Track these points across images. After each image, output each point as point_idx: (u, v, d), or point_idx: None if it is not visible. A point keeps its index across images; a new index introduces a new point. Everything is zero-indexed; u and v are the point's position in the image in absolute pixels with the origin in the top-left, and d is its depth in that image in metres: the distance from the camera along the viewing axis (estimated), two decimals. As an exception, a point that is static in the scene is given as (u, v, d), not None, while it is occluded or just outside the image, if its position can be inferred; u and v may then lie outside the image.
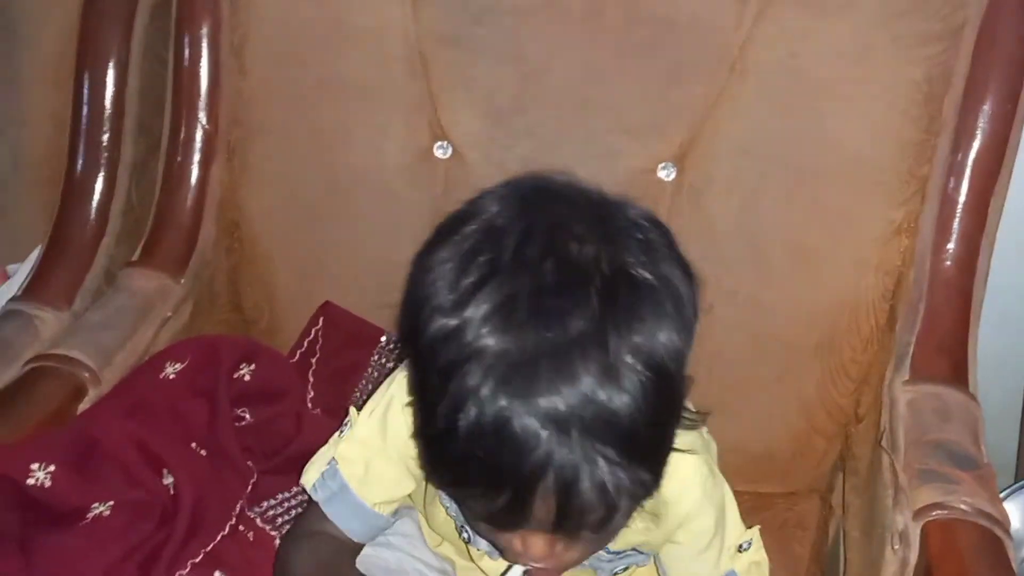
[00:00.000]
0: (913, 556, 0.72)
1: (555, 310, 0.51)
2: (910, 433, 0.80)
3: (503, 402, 0.50)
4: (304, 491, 0.90)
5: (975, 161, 0.88)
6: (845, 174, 0.91)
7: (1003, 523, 0.71)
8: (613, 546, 0.73)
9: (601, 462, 0.51)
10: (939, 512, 0.72)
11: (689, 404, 0.67)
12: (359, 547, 0.78)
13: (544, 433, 0.50)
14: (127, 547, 0.76)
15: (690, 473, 0.70)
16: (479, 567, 0.79)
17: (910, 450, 0.78)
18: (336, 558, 0.75)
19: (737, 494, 1.02)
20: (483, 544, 0.74)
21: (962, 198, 0.88)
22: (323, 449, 0.76)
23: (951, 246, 0.89)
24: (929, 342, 0.86)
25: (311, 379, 1.03)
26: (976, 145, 0.88)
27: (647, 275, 0.54)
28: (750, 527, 0.77)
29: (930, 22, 0.86)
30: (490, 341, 0.51)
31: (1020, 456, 1.31)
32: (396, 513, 0.78)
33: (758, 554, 0.76)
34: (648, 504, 0.62)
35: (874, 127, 0.89)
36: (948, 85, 0.87)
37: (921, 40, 0.86)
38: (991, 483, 0.75)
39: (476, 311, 0.52)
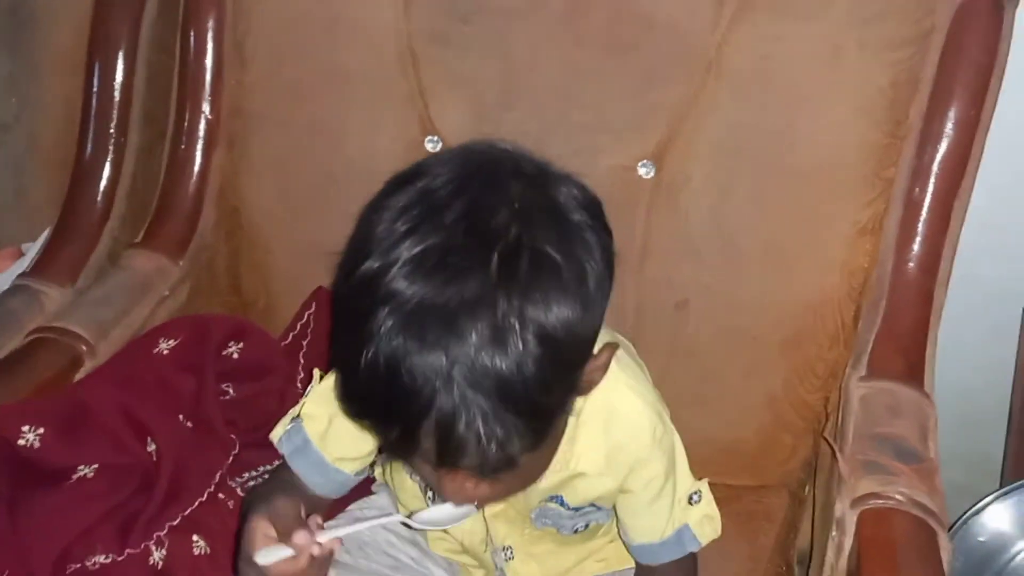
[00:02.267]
0: (848, 542, 0.74)
1: (455, 269, 0.56)
2: (859, 427, 0.82)
3: (396, 345, 0.55)
4: (283, 463, 0.96)
5: (940, 165, 0.90)
6: (813, 175, 0.93)
7: (938, 515, 0.73)
8: (572, 502, 0.78)
9: (477, 413, 0.56)
10: (875, 501, 0.75)
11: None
12: (322, 501, 0.82)
13: (429, 380, 0.55)
14: (108, 507, 0.82)
15: (640, 419, 0.74)
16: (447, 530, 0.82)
17: (856, 442, 0.81)
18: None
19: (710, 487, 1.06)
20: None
21: (927, 201, 0.90)
22: (293, 408, 0.82)
23: (915, 248, 0.91)
24: (887, 340, 0.88)
25: (302, 360, 1.08)
26: (941, 149, 0.90)
27: (552, 252, 0.58)
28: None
29: (898, 28, 0.88)
30: (400, 287, 0.56)
31: (1006, 461, 1.32)
32: (361, 473, 0.82)
33: (709, 507, 0.80)
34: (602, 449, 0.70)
35: (841, 129, 0.91)
36: (915, 90, 0.89)
37: (889, 45, 0.88)
38: (932, 477, 0.77)
39: (395, 259, 0.57)
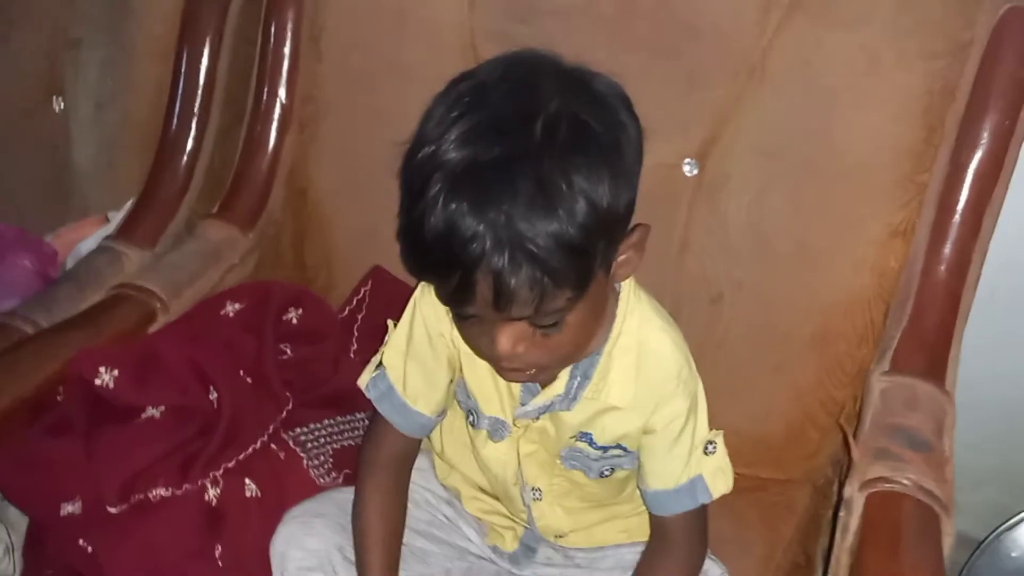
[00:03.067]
0: (854, 522, 0.77)
1: (501, 133, 0.64)
2: (876, 417, 0.86)
3: (453, 205, 0.63)
4: (332, 423, 1.03)
5: (974, 172, 0.92)
6: (848, 177, 0.96)
7: (942, 500, 0.76)
8: (600, 440, 0.83)
9: (526, 257, 0.63)
10: (883, 485, 0.78)
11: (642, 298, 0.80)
12: (410, 441, 0.90)
13: (481, 231, 0.63)
14: (172, 445, 0.90)
15: (669, 357, 0.80)
16: (481, 458, 0.88)
17: (871, 431, 0.84)
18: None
19: (735, 476, 1.09)
20: (486, 423, 0.85)
21: (959, 206, 0.93)
22: (375, 357, 0.90)
23: (946, 251, 0.93)
24: (912, 338, 0.91)
25: (356, 333, 1.15)
26: (976, 157, 0.92)
27: (591, 121, 0.66)
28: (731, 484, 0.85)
29: (935, 39, 0.91)
30: (452, 155, 0.64)
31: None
32: (440, 414, 0.89)
33: (723, 460, 0.84)
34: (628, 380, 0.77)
35: (877, 134, 0.94)
36: (951, 98, 0.92)
37: (926, 55, 0.92)
38: (942, 467, 0.79)
39: (448, 136, 0.65)
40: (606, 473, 0.87)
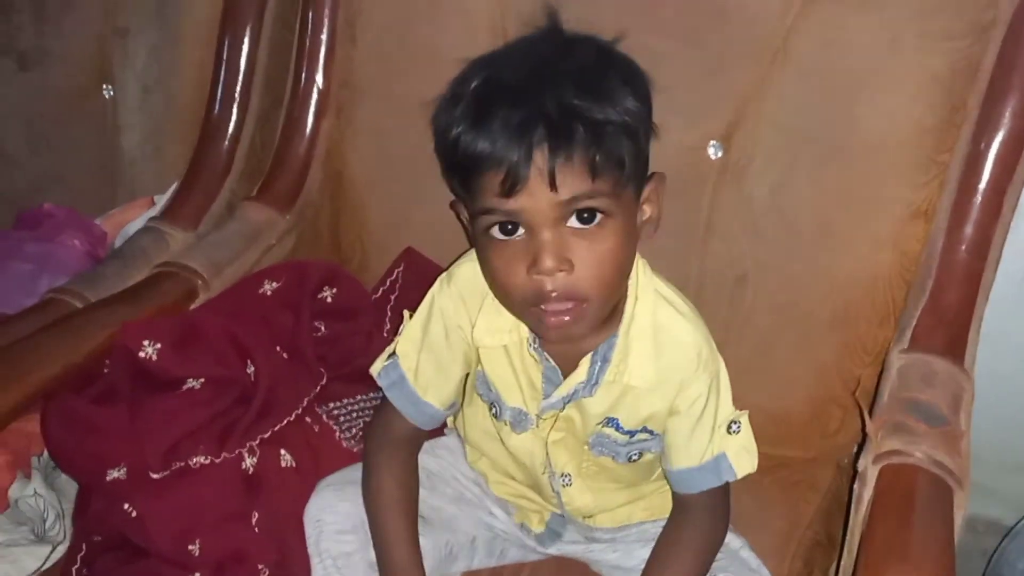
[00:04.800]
0: (867, 494, 0.79)
1: (536, 51, 0.78)
2: (893, 392, 0.87)
3: (503, 89, 0.73)
4: (364, 398, 1.07)
5: (996, 153, 0.93)
6: (869, 157, 0.97)
7: (955, 473, 0.77)
8: (626, 424, 0.85)
9: (582, 123, 0.71)
10: (896, 458, 0.79)
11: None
12: (418, 432, 0.93)
13: (536, 105, 0.70)
14: (211, 415, 0.94)
15: (687, 339, 0.83)
16: (509, 448, 0.91)
17: (887, 405, 0.85)
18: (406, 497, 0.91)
19: (759, 455, 1.11)
20: (508, 414, 0.88)
21: (981, 187, 0.93)
22: (389, 346, 0.93)
23: (966, 231, 0.94)
24: (931, 316, 0.92)
25: (389, 313, 1.18)
26: (998, 137, 0.93)
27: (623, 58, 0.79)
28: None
29: (957, 19, 0.92)
30: (490, 70, 0.76)
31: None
32: (451, 407, 0.92)
33: (747, 440, 0.86)
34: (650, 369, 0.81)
35: (897, 114, 0.95)
36: (973, 78, 0.92)
37: (946, 35, 0.92)
38: (957, 440, 0.81)
39: (488, 60, 0.78)
40: (634, 458, 0.89)
